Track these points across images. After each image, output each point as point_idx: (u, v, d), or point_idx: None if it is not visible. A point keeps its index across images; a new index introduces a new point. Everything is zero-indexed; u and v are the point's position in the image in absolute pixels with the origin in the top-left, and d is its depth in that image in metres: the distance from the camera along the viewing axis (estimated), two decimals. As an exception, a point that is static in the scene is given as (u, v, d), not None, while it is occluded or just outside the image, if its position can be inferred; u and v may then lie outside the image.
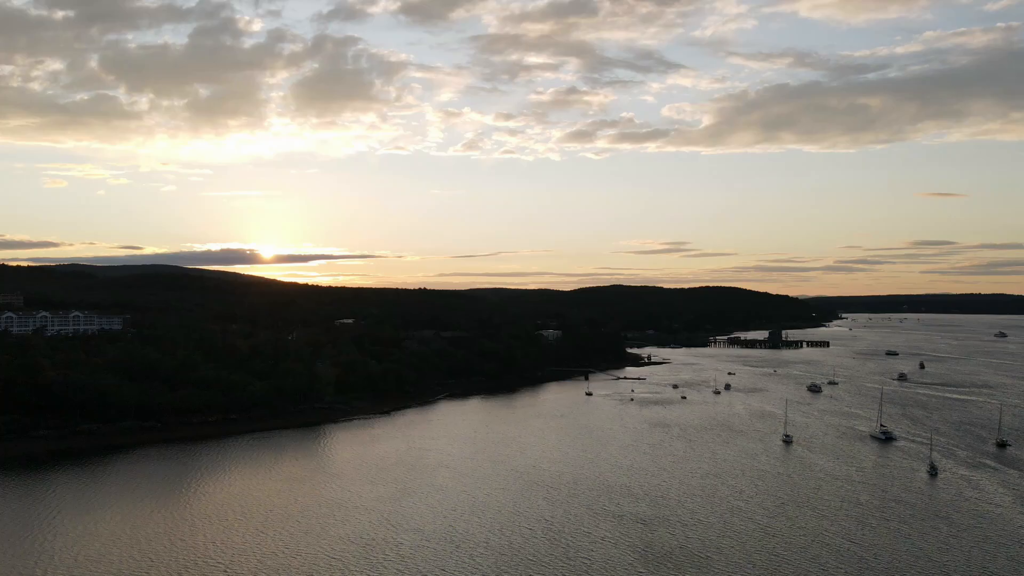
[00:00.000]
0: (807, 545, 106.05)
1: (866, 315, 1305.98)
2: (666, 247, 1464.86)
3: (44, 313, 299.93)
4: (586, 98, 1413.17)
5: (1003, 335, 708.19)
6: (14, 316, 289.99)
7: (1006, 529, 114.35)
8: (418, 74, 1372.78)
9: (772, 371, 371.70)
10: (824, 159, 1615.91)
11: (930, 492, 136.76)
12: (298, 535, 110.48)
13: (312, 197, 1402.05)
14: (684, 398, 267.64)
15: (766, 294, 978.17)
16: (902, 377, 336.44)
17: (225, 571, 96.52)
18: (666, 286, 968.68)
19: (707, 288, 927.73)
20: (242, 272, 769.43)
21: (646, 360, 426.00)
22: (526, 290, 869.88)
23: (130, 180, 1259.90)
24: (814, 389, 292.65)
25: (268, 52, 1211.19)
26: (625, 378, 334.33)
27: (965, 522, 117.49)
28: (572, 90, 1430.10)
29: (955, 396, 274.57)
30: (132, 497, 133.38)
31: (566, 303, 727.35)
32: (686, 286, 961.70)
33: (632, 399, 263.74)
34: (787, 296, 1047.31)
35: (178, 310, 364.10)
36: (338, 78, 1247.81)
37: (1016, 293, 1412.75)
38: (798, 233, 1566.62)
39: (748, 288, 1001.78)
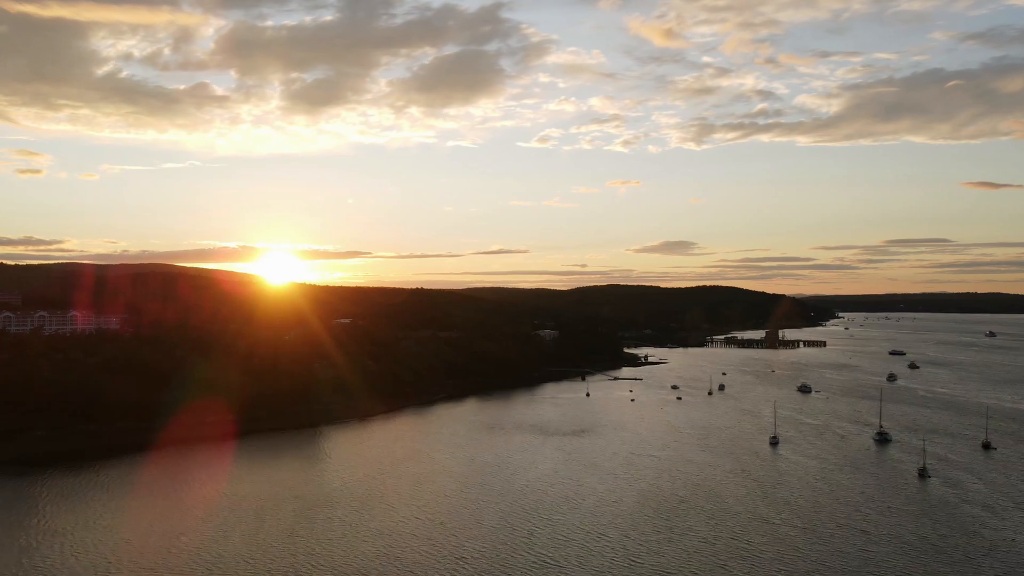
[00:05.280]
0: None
1: (863, 314, 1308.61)
2: (664, 246, 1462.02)
3: (42, 312, 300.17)
4: (725, 83, 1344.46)
5: (992, 334, 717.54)
6: (12, 315, 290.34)
7: (996, 535, 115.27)
8: (554, 58, 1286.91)
9: (770, 371, 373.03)
10: (912, 150, 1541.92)
11: (920, 495, 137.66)
12: (294, 537, 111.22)
13: (341, 193, 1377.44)
14: (680, 399, 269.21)
15: (763, 293, 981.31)
16: (892, 377, 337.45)
17: (221, 572, 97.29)
18: (664, 285, 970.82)
19: (705, 287, 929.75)
20: (247, 271, 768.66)
21: (643, 360, 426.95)
22: (523, 289, 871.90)
23: (168, 175, 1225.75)
24: (804, 390, 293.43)
25: (412, 30, 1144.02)
26: (622, 378, 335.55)
27: (954, 528, 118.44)
28: (721, 72, 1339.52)
29: (946, 395, 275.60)
30: (130, 498, 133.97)
31: (563, 303, 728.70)
32: (683, 285, 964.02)
33: (632, 400, 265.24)
34: (784, 295, 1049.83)
35: (176, 309, 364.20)
36: (470, 61, 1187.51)
37: (1012, 292, 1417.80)
38: (801, 231, 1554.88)
39: (745, 288, 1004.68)
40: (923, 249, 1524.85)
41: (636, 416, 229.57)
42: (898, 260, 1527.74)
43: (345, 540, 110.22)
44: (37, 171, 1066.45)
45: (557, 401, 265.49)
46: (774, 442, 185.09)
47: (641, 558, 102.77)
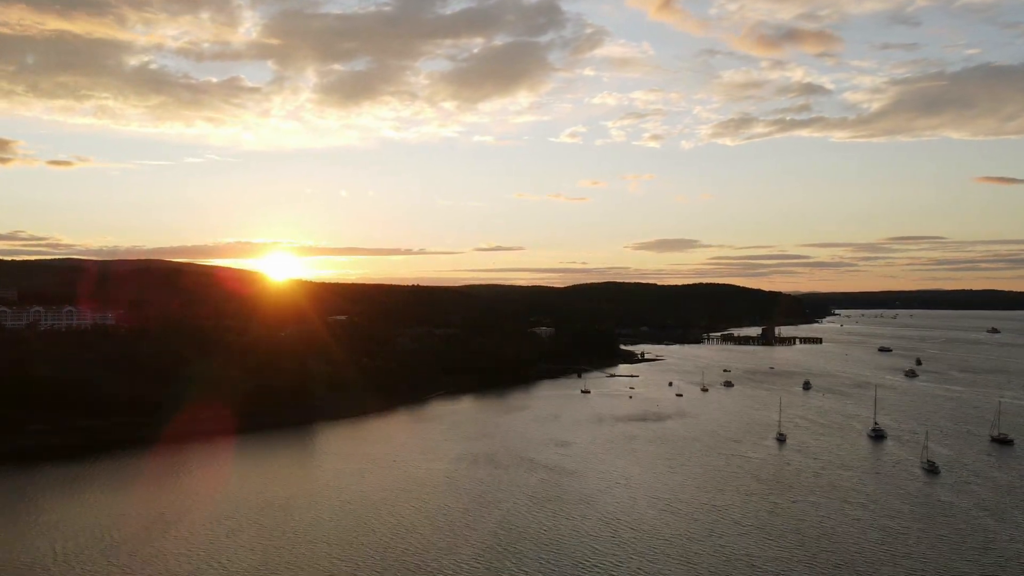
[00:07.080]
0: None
1: (859, 311, 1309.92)
2: (662, 243, 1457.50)
3: (37, 308, 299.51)
4: (774, 76, 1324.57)
5: (995, 331, 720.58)
6: (7, 311, 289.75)
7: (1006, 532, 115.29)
8: (603, 51, 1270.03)
9: (768, 368, 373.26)
10: (941, 146, 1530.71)
11: (928, 491, 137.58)
12: (288, 535, 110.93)
13: (348, 189, 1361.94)
14: (680, 395, 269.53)
15: (760, 290, 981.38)
16: (911, 374, 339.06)
17: (218, 568, 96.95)
18: (661, 283, 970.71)
19: (702, 285, 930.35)
20: (245, 268, 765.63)
21: (640, 357, 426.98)
22: (520, 287, 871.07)
23: (186, 169, 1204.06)
24: (806, 387, 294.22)
25: (465, 19, 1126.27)
26: (619, 375, 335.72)
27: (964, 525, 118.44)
28: (774, 64, 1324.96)
29: (950, 391, 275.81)
30: (126, 494, 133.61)
31: (560, 300, 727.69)
32: (681, 282, 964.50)
33: (631, 397, 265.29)
34: (780, 292, 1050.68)
35: (173, 305, 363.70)
36: (518, 53, 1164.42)
37: (1008, 289, 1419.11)
38: (804, 228, 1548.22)
39: (742, 285, 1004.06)
40: (925, 246, 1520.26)
41: (634, 414, 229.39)
42: (897, 257, 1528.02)
43: (343, 539, 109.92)
44: (7, 160, 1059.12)
45: (554, 398, 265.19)
46: (780, 439, 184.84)
47: (648, 560, 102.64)
